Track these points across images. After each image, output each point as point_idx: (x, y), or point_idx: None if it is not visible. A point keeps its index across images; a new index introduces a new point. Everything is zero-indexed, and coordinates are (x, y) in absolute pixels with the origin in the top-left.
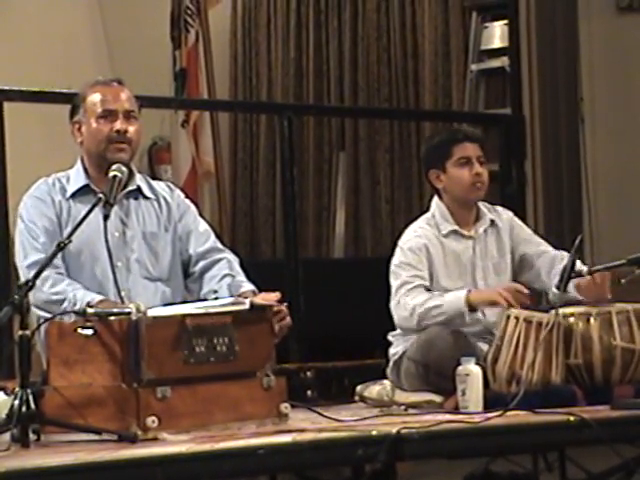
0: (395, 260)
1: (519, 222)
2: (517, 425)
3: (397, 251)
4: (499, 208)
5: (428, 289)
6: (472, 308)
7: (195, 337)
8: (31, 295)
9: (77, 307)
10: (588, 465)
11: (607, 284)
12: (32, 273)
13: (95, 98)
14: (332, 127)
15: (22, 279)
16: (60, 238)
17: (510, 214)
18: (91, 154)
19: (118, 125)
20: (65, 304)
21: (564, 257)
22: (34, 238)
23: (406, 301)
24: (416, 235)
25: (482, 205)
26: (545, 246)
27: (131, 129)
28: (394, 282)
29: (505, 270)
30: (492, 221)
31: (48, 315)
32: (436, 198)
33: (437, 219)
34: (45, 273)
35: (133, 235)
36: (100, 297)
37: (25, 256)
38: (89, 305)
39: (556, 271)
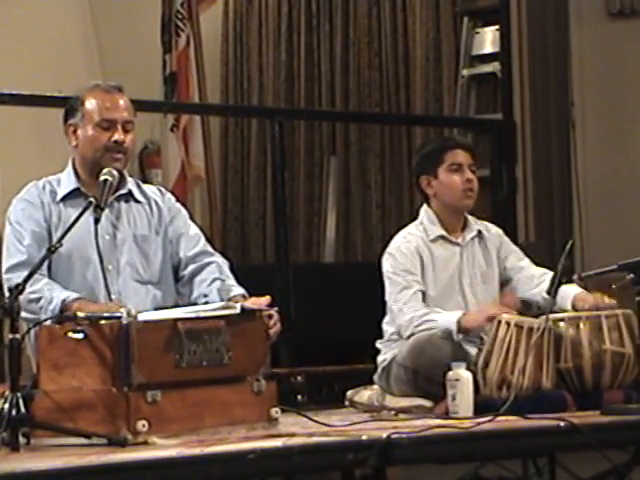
0: (387, 267)
1: (507, 239)
2: (507, 430)
3: (387, 258)
4: (488, 224)
5: (424, 293)
6: (462, 330)
7: (187, 341)
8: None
9: (52, 305)
10: (578, 470)
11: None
12: (12, 275)
13: (94, 104)
14: (323, 131)
15: (4, 281)
16: (49, 242)
17: (500, 231)
18: (85, 159)
19: (116, 136)
20: (41, 302)
21: (545, 273)
22: (19, 240)
23: (407, 310)
24: (406, 240)
25: (470, 217)
26: (528, 263)
27: (128, 139)
28: (392, 288)
29: (492, 279)
30: (479, 231)
31: (26, 314)
32: (425, 205)
33: (425, 224)
34: (25, 273)
35: (124, 238)
36: (75, 295)
37: (8, 258)
38: (64, 302)
39: (536, 284)
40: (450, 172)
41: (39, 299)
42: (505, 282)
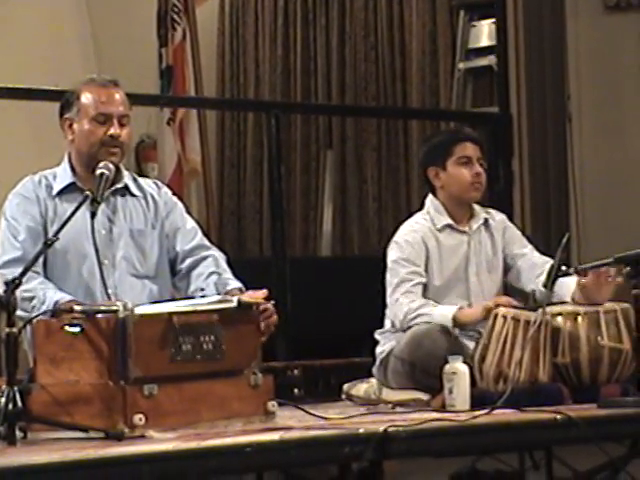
0: (392, 255)
1: (512, 225)
2: (504, 423)
3: (393, 246)
4: (492, 210)
5: (425, 285)
6: (458, 325)
7: (182, 335)
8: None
9: (45, 306)
10: (575, 463)
11: (611, 285)
12: (7, 270)
13: (90, 99)
14: (319, 125)
15: None
16: (44, 237)
17: (504, 217)
18: (81, 153)
19: (112, 130)
20: (34, 302)
21: (547, 262)
22: (14, 236)
23: (403, 301)
24: (412, 230)
25: (476, 206)
26: (530, 250)
27: (124, 133)
28: (392, 279)
29: (497, 268)
30: (485, 219)
31: (19, 312)
32: (430, 195)
33: (432, 214)
34: (19, 269)
35: (120, 232)
36: (69, 297)
37: (2, 254)
38: (57, 304)
39: (537, 274)
40: (459, 165)
41: (32, 298)
42: (508, 269)
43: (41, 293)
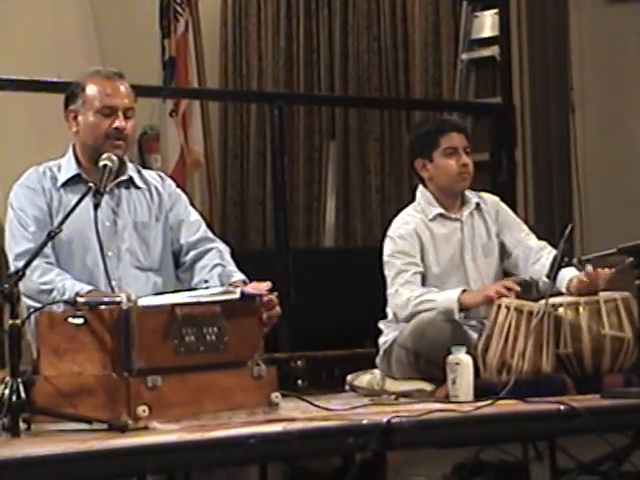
0: (387, 250)
1: (505, 207)
2: (507, 414)
3: (387, 241)
4: (484, 194)
5: (423, 275)
6: (463, 308)
7: (185, 326)
8: (21, 284)
9: (66, 297)
10: (578, 454)
11: (601, 282)
12: (22, 262)
13: (95, 91)
14: (322, 116)
15: (11, 268)
16: (50, 227)
17: (496, 198)
18: (86, 145)
19: (117, 123)
20: (54, 294)
21: (544, 247)
22: (24, 227)
23: (403, 292)
24: (404, 222)
25: (467, 191)
26: (526, 234)
27: (129, 126)
28: (389, 272)
29: (493, 252)
30: (477, 204)
31: (36, 304)
32: (420, 186)
33: (423, 205)
34: (35, 262)
35: (124, 225)
36: (89, 287)
37: (15, 245)
38: (78, 295)
39: (533, 261)
40: (446, 156)
41: (51, 290)
42: (505, 256)
43: (60, 285)
